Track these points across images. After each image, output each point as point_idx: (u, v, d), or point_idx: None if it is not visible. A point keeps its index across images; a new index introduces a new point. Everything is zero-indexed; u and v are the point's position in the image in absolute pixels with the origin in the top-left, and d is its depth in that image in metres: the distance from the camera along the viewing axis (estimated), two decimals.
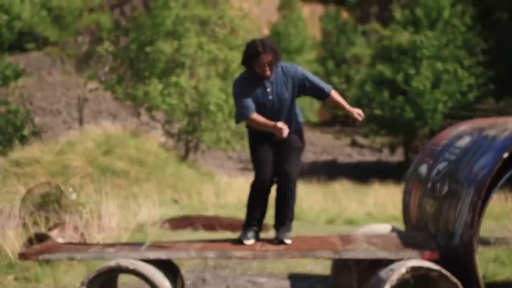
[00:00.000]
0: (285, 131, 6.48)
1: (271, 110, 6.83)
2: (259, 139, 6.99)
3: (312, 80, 6.95)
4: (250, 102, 6.77)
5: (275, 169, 6.95)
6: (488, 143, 5.94)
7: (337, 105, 7.09)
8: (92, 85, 35.05)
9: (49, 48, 35.17)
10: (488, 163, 5.62)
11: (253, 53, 6.70)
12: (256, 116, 6.71)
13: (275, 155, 6.93)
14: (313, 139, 54.37)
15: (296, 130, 7.02)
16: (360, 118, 6.90)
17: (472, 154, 6.06)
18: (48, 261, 8.82)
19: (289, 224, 6.95)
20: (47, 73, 55.66)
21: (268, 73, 6.77)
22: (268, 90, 6.82)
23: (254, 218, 7.02)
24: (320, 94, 7.02)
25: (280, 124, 6.52)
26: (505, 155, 5.49)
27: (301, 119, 7.13)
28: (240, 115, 6.82)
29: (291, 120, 6.94)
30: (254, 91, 6.83)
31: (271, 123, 6.61)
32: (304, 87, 6.93)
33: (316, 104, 58.38)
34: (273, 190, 7.06)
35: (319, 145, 52.98)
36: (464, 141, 6.53)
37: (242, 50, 6.85)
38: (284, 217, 6.96)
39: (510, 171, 5.76)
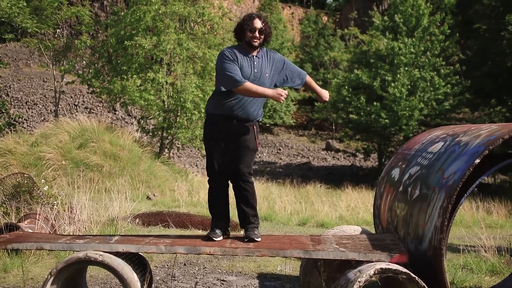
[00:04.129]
0: (283, 98, 6.65)
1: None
2: (214, 135, 6.97)
3: (292, 66, 7.22)
4: (239, 71, 6.72)
5: (230, 166, 6.97)
6: (460, 148, 5.97)
7: (310, 87, 7.36)
8: (69, 78, 34.95)
9: (27, 39, 34.88)
10: (459, 168, 5.64)
11: (248, 17, 6.91)
12: (250, 84, 6.64)
13: (228, 151, 6.92)
14: (288, 142, 54.51)
15: (255, 123, 7.02)
16: (326, 100, 7.26)
17: (445, 159, 6.09)
18: (17, 251, 8.80)
19: (254, 221, 6.97)
20: (24, 64, 55.41)
21: (257, 41, 6.85)
22: (256, 63, 6.88)
23: (218, 214, 7.05)
24: (301, 79, 7.26)
25: (280, 90, 6.66)
26: (477, 161, 5.52)
27: (261, 115, 7.16)
28: (231, 82, 6.68)
29: (257, 109, 6.99)
30: (242, 61, 6.86)
31: (270, 90, 6.69)
32: (286, 72, 7.13)
33: (292, 107, 58.63)
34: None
35: (294, 148, 53.10)
36: (437, 147, 6.57)
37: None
38: (247, 215, 6.99)
39: (481, 178, 5.81)
